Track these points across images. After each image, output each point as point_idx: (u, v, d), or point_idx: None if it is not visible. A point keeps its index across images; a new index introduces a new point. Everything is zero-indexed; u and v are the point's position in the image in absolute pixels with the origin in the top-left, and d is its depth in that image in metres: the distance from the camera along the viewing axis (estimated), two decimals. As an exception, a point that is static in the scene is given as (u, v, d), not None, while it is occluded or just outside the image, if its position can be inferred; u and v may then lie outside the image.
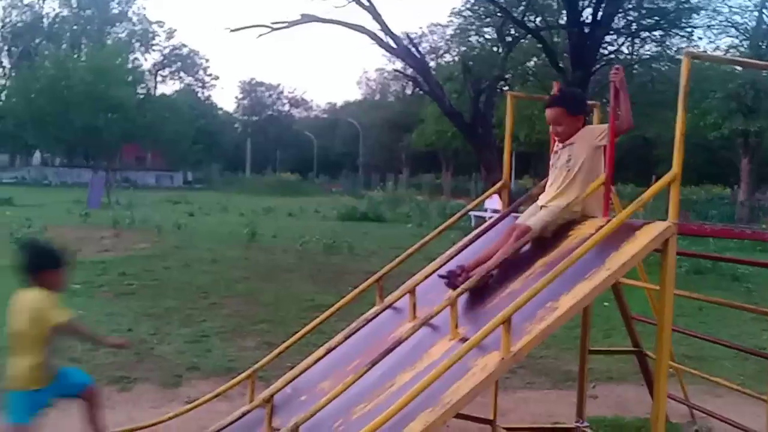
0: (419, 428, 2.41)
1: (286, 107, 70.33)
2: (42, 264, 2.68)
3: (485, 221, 4.07)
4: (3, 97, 44.64)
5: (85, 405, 3.01)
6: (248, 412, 3.18)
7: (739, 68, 21.61)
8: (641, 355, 3.90)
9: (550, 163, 3.35)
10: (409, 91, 47.11)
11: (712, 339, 3.87)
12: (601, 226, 2.78)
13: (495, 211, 12.75)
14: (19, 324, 2.67)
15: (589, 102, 3.76)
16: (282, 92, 68.95)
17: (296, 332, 3.66)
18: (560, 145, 3.28)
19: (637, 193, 2.92)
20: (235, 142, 61.14)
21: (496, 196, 3.89)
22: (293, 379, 3.22)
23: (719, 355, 5.55)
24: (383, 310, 3.38)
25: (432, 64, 27.74)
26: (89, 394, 3.00)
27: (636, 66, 20.34)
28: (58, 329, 2.53)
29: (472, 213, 13.70)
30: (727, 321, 7.04)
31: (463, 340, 2.70)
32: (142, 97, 44.22)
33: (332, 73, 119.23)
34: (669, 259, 2.67)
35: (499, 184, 3.86)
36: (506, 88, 20.31)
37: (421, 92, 27.64)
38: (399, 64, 23.62)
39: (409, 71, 18.21)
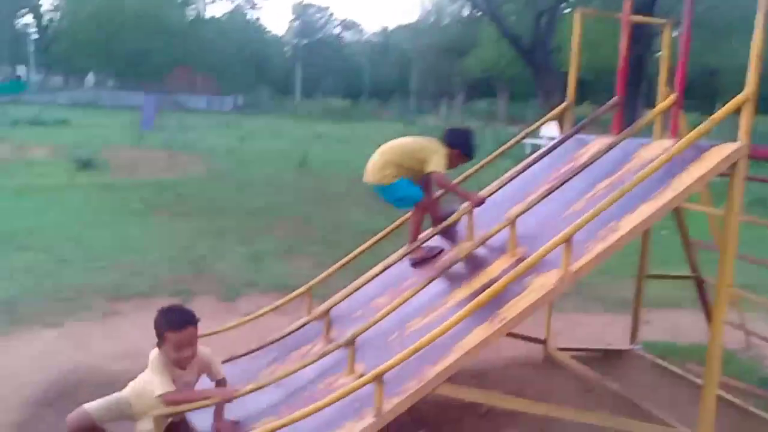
0: (474, 342, 2.44)
1: (337, 30, 68.46)
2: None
3: (540, 148, 3.97)
4: (56, 20, 45.38)
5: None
6: (307, 323, 3.21)
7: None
8: (699, 281, 3.84)
9: None
10: (466, 13, 44.50)
11: None
12: (669, 148, 2.70)
13: (551, 138, 12.14)
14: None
15: (660, 21, 3.73)
16: (333, 15, 66.97)
17: (347, 254, 3.63)
18: None
19: (701, 121, 2.66)
20: (284, 66, 60.52)
21: (553, 123, 3.62)
22: (350, 295, 3.23)
23: None
24: (439, 232, 3.31)
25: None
26: None
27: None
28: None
29: (527, 140, 13.17)
30: None
31: (521, 259, 2.69)
32: (191, 19, 43.89)
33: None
34: (737, 182, 2.62)
35: (563, 105, 3.67)
36: (568, 10, 18.76)
37: (478, 14, 26.04)
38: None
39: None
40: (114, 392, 2.58)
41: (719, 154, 2.62)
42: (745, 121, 2.59)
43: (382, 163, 3.19)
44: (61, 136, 15.78)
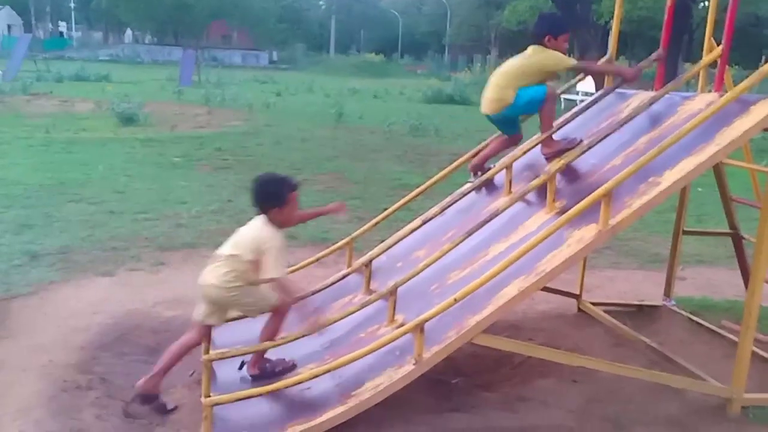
0: (513, 293, 2.47)
1: (372, -17, 66.46)
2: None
3: (576, 105, 3.89)
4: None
5: None
6: (348, 275, 3.31)
7: None
8: (738, 238, 3.76)
9: None
10: (503, -37, 42.60)
11: None
12: (712, 102, 2.65)
13: (587, 94, 11.73)
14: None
15: None
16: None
17: (386, 209, 3.70)
18: None
19: (744, 76, 2.54)
20: (319, 20, 59.53)
21: (589, 78, 3.51)
22: (389, 248, 3.31)
23: None
24: (480, 185, 3.34)
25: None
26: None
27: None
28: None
29: (562, 96, 12.73)
30: None
31: (560, 213, 2.69)
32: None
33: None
34: None
35: (604, 59, 3.53)
36: None
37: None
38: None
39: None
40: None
41: (766, 107, 2.54)
42: None
43: (500, 90, 3.15)
44: (104, 92, 16.12)
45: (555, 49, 3.11)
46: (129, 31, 51.32)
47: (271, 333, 2.66)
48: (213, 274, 2.55)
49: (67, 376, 2.81)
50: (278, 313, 2.65)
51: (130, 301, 3.70)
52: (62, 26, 52.88)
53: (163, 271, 4.26)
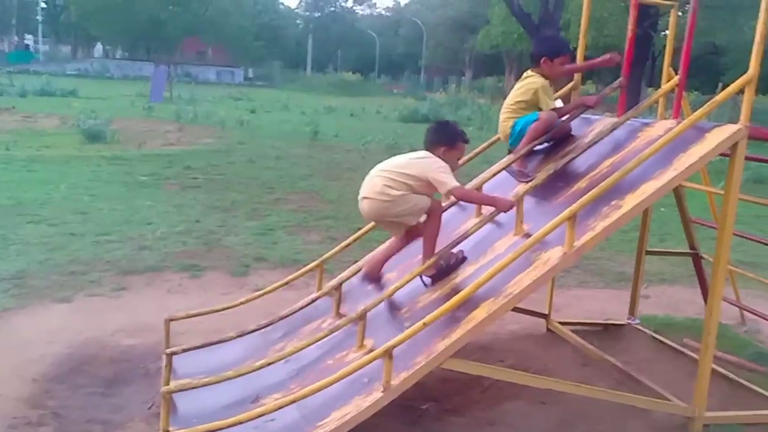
0: (482, 316, 2.48)
1: (349, 3, 67.34)
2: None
3: None
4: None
5: None
6: (317, 299, 3.27)
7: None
8: (697, 258, 3.90)
9: None
10: (476, -10, 44.03)
11: None
12: (671, 128, 2.76)
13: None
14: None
15: (667, 3, 3.78)
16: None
17: (359, 228, 3.68)
18: None
19: (702, 101, 2.70)
20: (296, 39, 59.82)
21: (559, 102, 3.65)
22: (360, 270, 3.27)
23: None
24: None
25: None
26: None
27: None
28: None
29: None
30: None
31: (527, 235, 2.75)
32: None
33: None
34: (737, 162, 2.68)
35: (569, 86, 3.67)
36: None
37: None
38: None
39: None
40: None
41: (720, 135, 2.66)
42: (746, 103, 2.65)
43: (502, 123, 3.35)
44: (69, 107, 15.79)
45: (551, 72, 3.22)
46: (99, 46, 50.62)
47: (432, 232, 2.89)
48: (369, 188, 2.84)
49: (17, 411, 2.67)
50: (434, 214, 2.88)
51: (87, 329, 3.54)
52: (29, 39, 51.82)
53: (125, 297, 4.12)
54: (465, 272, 2.86)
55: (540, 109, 3.25)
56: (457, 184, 2.79)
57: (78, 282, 4.28)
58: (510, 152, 3.39)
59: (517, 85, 3.37)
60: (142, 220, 5.98)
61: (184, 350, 2.79)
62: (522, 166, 3.28)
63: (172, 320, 3.13)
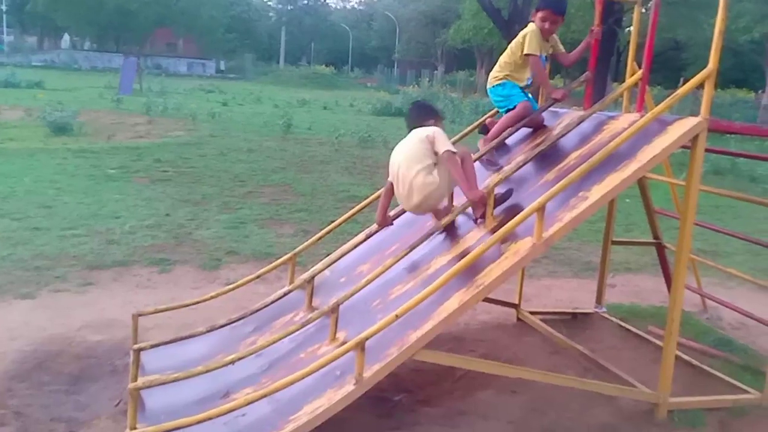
0: (454, 306, 2.50)
1: (323, -4, 66.71)
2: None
3: None
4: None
5: None
6: (289, 292, 3.24)
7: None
8: (660, 247, 4.01)
9: None
10: (448, -15, 44.32)
11: (730, 232, 3.99)
12: (635, 121, 2.81)
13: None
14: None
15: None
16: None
17: (332, 221, 3.66)
18: None
19: (664, 95, 2.80)
20: (269, 31, 59.04)
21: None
22: (333, 263, 3.27)
23: (732, 251, 5.86)
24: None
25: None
26: None
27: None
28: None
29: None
30: (742, 220, 7.29)
31: (499, 226, 2.76)
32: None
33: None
34: (698, 154, 2.75)
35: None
36: None
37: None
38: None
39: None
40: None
41: (682, 127, 2.73)
42: (706, 97, 2.72)
43: (499, 66, 3.43)
44: (35, 99, 15.29)
45: (539, 25, 3.27)
46: (66, 37, 49.05)
47: (471, 173, 2.90)
48: (414, 191, 2.84)
49: (-24, 411, 2.59)
50: (466, 161, 2.89)
51: (52, 326, 3.45)
52: (-7, 30, 49.93)
53: (91, 292, 4.02)
54: (438, 263, 2.87)
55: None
56: (452, 148, 2.85)
57: (42, 277, 4.16)
58: (485, 129, 3.46)
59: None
60: (110, 213, 5.84)
61: (152, 346, 2.74)
62: (491, 156, 3.32)
63: (140, 315, 3.07)
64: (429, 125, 3.01)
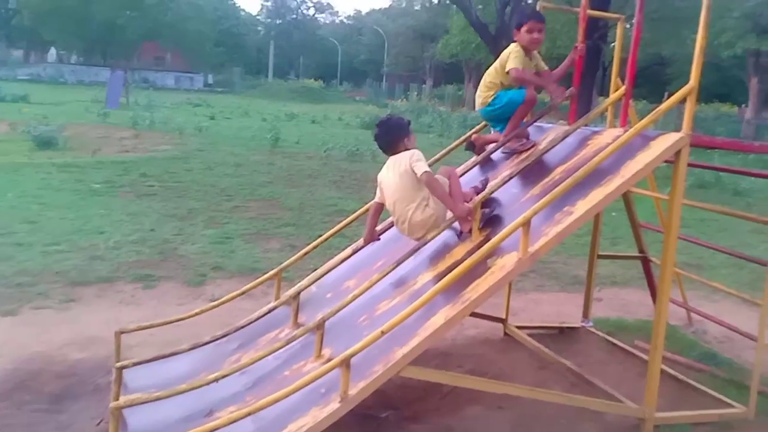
0: (441, 322, 2.49)
1: (311, 11, 67.37)
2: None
3: None
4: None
5: None
6: (275, 308, 3.21)
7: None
8: (646, 261, 4.05)
9: None
10: (436, 0, 45.08)
11: (714, 246, 4.07)
12: (619, 136, 2.85)
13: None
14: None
15: (614, 16, 3.99)
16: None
17: (320, 236, 3.66)
18: None
19: (650, 109, 2.86)
20: (257, 45, 59.31)
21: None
22: (319, 278, 3.26)
23: (717, 264, 5.94)
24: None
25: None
26: None
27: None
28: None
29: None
30: (727, 233, 7.35)
31: (485, 241, 2.77)
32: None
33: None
34: (681, 169, 2.78)
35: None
36: (530, 1, 19.28)
37: (447, 1, 26.24)
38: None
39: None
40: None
41: (665, 142, 2.77)
42: (687, 112, 2.77)
43: (486, 87, 3.43)
44: (20, 113, 15.15)
45: (521, 40, 3.33)
46: (53, 50, 48.80)
47: (456, 191, 2.89)
48: (415, 225, 2.88)
49: (-47, 432, 2.53)
50: (452, 178, 2.90)
51: (34, 343, 3.39)
52: (-23, 43, 49.50)
53: (74, 309, 3.95)
54: (423, 279, 2.87)
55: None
56: (428, 170, 2.84)
57: (24, 294, 4.09)
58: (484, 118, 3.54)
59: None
60: (94, 229, 5.77)
61: (135, 363, 2.70)
62: (515, 142, 3.39)
63: (123, 333, 3.02)
64: (401, 149, 2.96)
